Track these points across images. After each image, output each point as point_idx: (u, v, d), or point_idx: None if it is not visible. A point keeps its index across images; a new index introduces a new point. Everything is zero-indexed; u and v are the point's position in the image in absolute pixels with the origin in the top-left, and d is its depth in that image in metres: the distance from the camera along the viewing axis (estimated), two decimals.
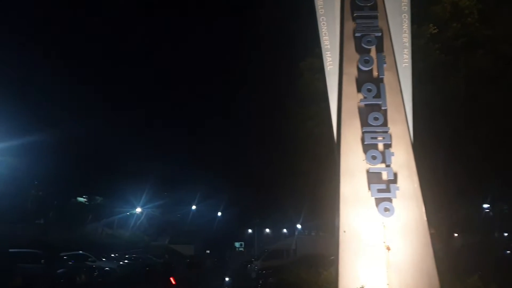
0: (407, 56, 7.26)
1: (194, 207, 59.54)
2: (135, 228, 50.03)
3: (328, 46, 7.39)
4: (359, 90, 7.02)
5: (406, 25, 7.27)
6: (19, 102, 26.05)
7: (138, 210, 46.98)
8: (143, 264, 27.61)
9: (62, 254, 21.39)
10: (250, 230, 64.33)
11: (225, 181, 47.22)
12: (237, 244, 65.39)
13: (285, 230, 49.97)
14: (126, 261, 27.44)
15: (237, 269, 36.15)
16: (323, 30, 7.44)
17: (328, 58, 7.37)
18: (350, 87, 7.09)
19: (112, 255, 28.66)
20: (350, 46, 7.26)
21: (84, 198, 41.81)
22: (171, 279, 16.39)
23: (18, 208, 33.89)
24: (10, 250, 14.48)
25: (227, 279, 20.75)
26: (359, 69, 7.13)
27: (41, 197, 35.92)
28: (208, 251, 54.17)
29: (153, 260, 30.43)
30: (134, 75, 55.26)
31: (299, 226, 41.40)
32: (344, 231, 6.42)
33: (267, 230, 58.84)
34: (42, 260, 16.75)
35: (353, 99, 7.03)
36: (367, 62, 7.07)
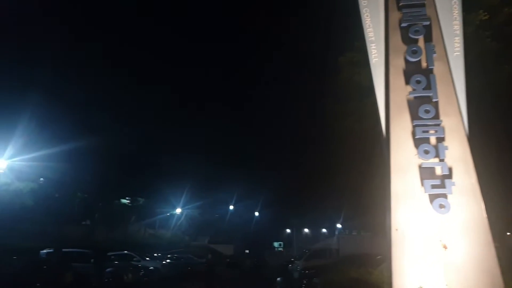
0: (458, 45, 6.87)
1: (231, 207, 60.09)
2: (176, 228, 51.17)
3: (373, 38, 7.14)
4: (407, 82, 6.72)
5: (456, 11, 6.89)
6: (65, 110, 27.32)
7: (178, 210, 47.98)
8: (185, 264, 28.15)
9: (109, 253, 22.21)
10: (288, 230, 64.07)
11: (262, 181, 47.26)
12: (276, 244, 65.31)
13: (324, 230, 49.31)
14: (168, 260, 28.04)
15: (277, 269, 36.08)
16: (366, 21, 7.20)
17: (373, 50, 7.12)
18: (397, 79, 6.80)
19: (155, 254, 29.38)
20: (396, 37, 6.97)
21: (127, 199, 43.24)
22: (214, 278, 16.59)
23: (66, 211, 35.62)
24: (64, 250, 15.18)
25: (278, 279, 20.68)
26: (406, 61, 6.83)
27: (87, 200, 37.49)
28: (247, 251, 54.44)
29: (194, 259, 30.95)
30: (173, 77, 56.57)
31: (339, 225, 40.75)
32: (397, 230, 6.16)
33: (306, 230, 58.30)
34: (92, 260, 17.48)
35: (402, 92, 6.74)
36: (415, 52, 6.75)
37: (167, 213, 46.89)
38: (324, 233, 47.86)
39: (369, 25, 7.20)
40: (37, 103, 23.20)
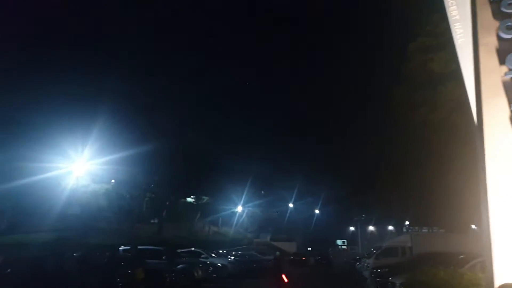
0: None
1: (291, 205, 59.91)
2: (238, 226, 52.06)
3: (457, 17, 6.50)
4: (502, 62, 6.03)
5: None
6: (134, 114, 28.76)
7: (240, 208, 48.76)
8: (250, 261, 28.38)
9: (178, 250, 23.00)
10: (352, 228, 62.48)
11: (323, 179, 46.46)
12: (339, 242, 64.12)
13: (391, 227, 47.31)
14: (232, 257, 28.40)
15: (342, 267, 35.24)
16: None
17: (458, 30, 6.48)
18: (489, 59, 6.13)
19: (220, 251, 29.95)
20: (486, 13, 6.29)
21: (192, 198, 44.76)
22: (283, 276, 16.48)
23: (136, 210, 37.70)
24: (139, 247, 15.95)
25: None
26: (499, 38, 6.12)
27: (155, 199, 39.36)
28: (309, 249, 53.92)
29: (258, 256, 31.14)
30: (234, 81, 57.49)
31: (407, 222, 38.89)
32: (496, 227, 5.56)
33: (371, 227, 56.39)
34: (164, 256, 18.18)
35: (495, 73, 6.06)
36: (510, 28, 6.04)
37: (229, 211, 47.81)
38: (391, 230, 45.89)
39: (452, 3, 6.57)
40: (109, 109, 24.70)
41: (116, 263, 12.50)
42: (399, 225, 42.94)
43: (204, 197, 44.07)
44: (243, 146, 44.02)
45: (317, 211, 62.44)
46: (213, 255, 25.79)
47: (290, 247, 46.73)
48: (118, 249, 13.19)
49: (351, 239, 63.04)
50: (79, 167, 22.02)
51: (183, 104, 38.18)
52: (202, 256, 23.35)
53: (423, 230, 31.42)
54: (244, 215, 52.02)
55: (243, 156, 41.31)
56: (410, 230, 33.24)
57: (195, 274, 18.35)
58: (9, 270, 7.95)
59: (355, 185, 42.58)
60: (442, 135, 12.76)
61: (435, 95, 12.29)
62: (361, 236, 58.24)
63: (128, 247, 14.55)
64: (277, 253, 19.80)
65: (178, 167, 33.04)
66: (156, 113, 32.38)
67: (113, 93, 27.02)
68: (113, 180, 34.10)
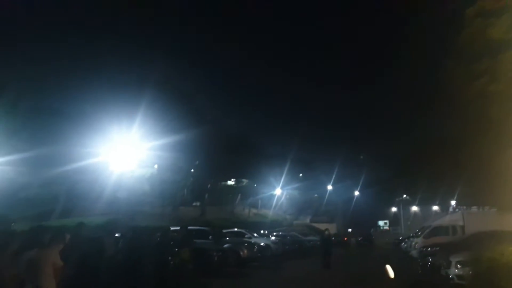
0: None
1: (330, 187, 59.47)
2: (277, 208, 52.38)
3: None
4: None
5: None
6: (175, 102, 29.13)
7: (279, 191, 48.93)
8: (292, 241, 28.52)
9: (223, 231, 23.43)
10: (394, 209, 61.21)
11: (365, 161, 45.65)
12: (381, 223, 63.18)
13: (435, 208, 45.82)
14: (274, 238, 28.61)
15: (385, 247, 34.74)
16: None
17: None
18: None
19: (261, 232, 30.25)
20: None
21: (232, 181, 45.39)
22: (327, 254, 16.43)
23: (178, 194, 38.73)
24: (188, 227, 16.33)
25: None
26: None
27: (197, 183, 40.20)
28: (350, 230, 53.54)
29: (299, 237, 31.25)
30: (273, 67, 57.05)
31: (453, 202, 37.51)
32: None
33: (414, 208, 54.97)
34: (210, 236, 18.59)
35: None
36: None
37: (269, 193, 48.12)
38: (435, 211, 44.46)
39: None
40: (152, 96, 25.20)
41: (167, 243, 12.84)
42: (444, 204, 41.48)
43: (243, 180, 44.55)
44: (282, 131, 43.94)
45: (356, 193, 61.62)
46: (255, 235, 26.08)
47: (330, 228, 46.42)
48: (169, 229, 13.53)
49: (393, 220, 61.85)
50: (125, 152, 22.72)
51: (224, 89, 38.44)
52: (246, 236, 23.66)
53: (472, 209, 30.21)
54: (283, 198, 52.21)
55: (282, 141, 41.31)
56: (459, 209, 31.99)
57: (241, 253, 18.67)
58: (74, 248, 8.39)
59: (401, 165, 41.44)
60: (502, 107, 11.97)
61: (495, 64, 11.49)
62: (404, 217, 56.95)
63: (178, 228, 14.92)
64: (326, 231, 19.57)
65: (219, 151, 33.43)
66: (197, 100, 32.74)
67: (157, 81, 27.53)
68: (156, 165, 35.05)
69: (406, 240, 27.21)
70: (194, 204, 45.48)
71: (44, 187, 25.20)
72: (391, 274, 4.98)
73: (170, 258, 12.64)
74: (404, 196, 54.68)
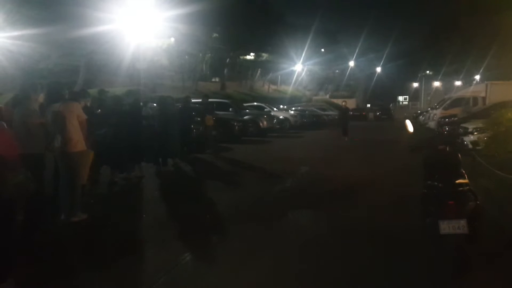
0: None
1: (352, 63, 57.74)
2: (297, 84, 52.07)
3: None
4: None
5: None
6: None
7: (299, 66, 47.90)
8: (310, 115, 29.15)
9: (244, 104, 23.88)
10: (415, 84, 60.00)
11: (390, 32, 43.10)
12: (400, 98, 62.86)
13: (458, 83, 44.55)
14: (292, 112, 29.16)
15: (403, 121, 35.16)
16: None
17: None
18: None
19: (281, 107, 30.77)
20: None
21: (251, 55, 44.37)
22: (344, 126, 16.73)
23: (198, 67, 38.56)
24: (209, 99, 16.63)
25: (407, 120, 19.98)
26: None
27: (215, 57, 39.53)
28: (368, 105, 53.80)
29: (318, 112, 31.80)
30: None
31: (477, 77, 36.20)
32: None
33: (436, 83, 53.61)
34: (230, 108, 19.06)
35: None
36: None
37: (289, 69, 47.33)
38: (458, 86, 43.31)
39: None
40: None
41: (189, 109, 13.22)
42: (468, 78, 40.21)
43: (263, 54, 43.40)
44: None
45: (379, 69, 59.92)
46: (275, 109, 26.61)
47: (350, 103, 46.74)
48: (189, 97, 13.80)
49: (413, 96, 61.27)
50: (139, 21, 21.76)
51: None
52: (265, 109, 24.16)
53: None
54: (303, 74, 51.39)
55: (306, 9, 38.68)
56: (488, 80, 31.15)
57: (261, 124, 19.31)
58: (99, 110, 8.78)
59: (429, 35, 39.18)
60: None
61: None
62: (425, 92, 56.14)
63: (199, 100, 15.19)
64: (343, 102, 19.70)
65: (237, 22, 31.89)
66: None
67: None
68: (172, 38, 34.11)
69: (425, 113, 27.27)
70: (213, 80, 45.58)
71: (64, 57, 25.26)
72: (410, 129, 5.04)
73: (192, 126, 13.21)
74: (427, 72, 52.94)
